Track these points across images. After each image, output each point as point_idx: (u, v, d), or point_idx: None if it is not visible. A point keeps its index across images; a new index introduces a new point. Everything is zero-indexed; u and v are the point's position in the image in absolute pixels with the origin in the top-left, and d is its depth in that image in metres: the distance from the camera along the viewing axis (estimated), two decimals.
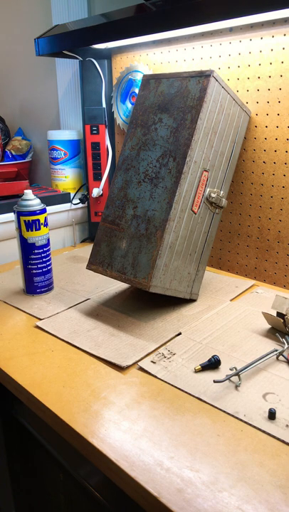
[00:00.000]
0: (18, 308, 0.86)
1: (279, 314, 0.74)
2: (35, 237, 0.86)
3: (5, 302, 0.88)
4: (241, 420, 0.54)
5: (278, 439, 0.51)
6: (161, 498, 0.44)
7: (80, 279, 0.99)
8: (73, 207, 1.26)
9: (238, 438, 0.52)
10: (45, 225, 0.87)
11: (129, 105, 1.13)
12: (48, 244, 0.89)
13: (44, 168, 1.59)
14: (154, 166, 0.78)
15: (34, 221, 0.85)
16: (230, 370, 0.63)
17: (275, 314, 0.80)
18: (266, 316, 0.75)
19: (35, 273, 0.89)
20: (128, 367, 0.66)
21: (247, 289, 0.94)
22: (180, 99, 0.78)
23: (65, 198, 1.25)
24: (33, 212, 0.85)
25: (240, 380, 0.61)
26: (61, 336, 0.75)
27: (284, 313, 0.73)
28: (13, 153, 1.49)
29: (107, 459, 0.49)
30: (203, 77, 0.77)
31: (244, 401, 0.58)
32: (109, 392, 0.60)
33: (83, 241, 1.30)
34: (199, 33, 0.95)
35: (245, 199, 0.98)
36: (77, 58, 1.16)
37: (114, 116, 1.17)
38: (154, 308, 0.84)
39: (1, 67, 1.65)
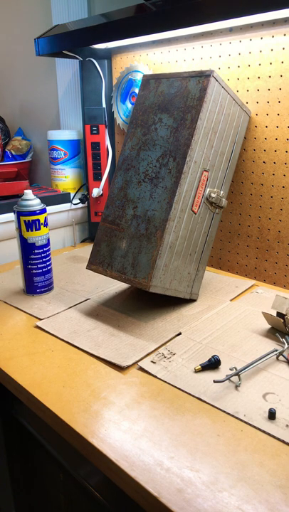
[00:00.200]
0: (18, 308, 0.86)
1: (279, 314, 0.74)
2: (35, 237, 0.86)
3: (5, 302, 0.88)
4: (241, 420, 0.54)
5: (278, 439, 0.51)
6: (161, 498, 0.44)
7: (80, 279, 0.99)
8: (73, 207, 1.26)
9: (238, 438, 0.52)
10: (45, 225, 0.87)
11: (129, 105, 1.13)
12: (48, 244, 0.89)
13: (44, 168, 1.59)
14: (154, 166, 0.78)
15: (34, 221, 0.85)
16: (230, 370, 0.63)
17: (275, 314, 0.80)
18: (266, 316, 0.75)
19: (35, 273, 0.89)
20: (128, 367, 0.66)
21: (247, 289, 0.94)
22: (180, 99, 0.78)
23: (65, 198, 1.25)
24: (33, 212, 0.85)
25: (240, 380, 0.61)
26: (61, 335, 0.75)
27: (284, 313, 0.73)
28: (13, 153, 1.49)
29: (107, 459, 0.49)
30: (203, 77, 0.77)
31: (244, 401, 0.58)
32: (109, 392, 0.60)
33: (83, 241, 1.30)
34: (199, 33, 0.95)
35: (245, 199, 0.98)
36: (77, 58, 1.16)
37: (114, 116, 1.17)
38: (154, 308, 0.84)
39: (1, 67, 1.65)
